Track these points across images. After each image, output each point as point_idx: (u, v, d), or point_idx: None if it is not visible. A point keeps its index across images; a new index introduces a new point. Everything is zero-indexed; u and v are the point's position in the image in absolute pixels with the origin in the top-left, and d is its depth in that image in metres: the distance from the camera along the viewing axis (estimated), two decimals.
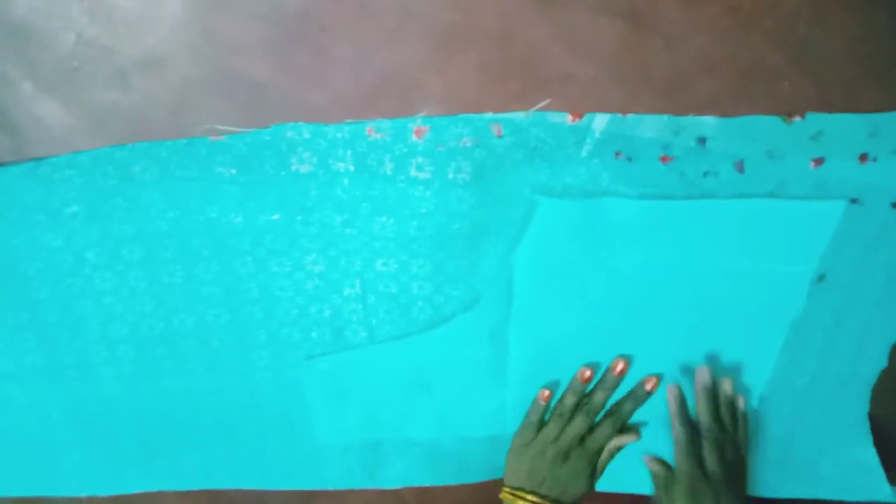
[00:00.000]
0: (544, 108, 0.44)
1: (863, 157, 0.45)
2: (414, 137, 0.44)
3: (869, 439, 0.57)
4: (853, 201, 0.46)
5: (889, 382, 0.55)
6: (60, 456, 0.55)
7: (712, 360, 0.53)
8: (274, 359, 0.53)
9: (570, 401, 0.53)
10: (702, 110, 0.44)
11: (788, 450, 0.58)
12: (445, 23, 0.42)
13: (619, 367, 0.52)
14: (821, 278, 0.50)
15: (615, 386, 0.53)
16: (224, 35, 0.42)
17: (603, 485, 0.57)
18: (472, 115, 0.44)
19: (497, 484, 0.55)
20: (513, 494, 0.52)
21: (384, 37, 0.42)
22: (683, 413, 0.52)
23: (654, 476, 0.54)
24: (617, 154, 0.45)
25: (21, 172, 0.45)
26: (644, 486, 0.55)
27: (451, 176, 0.45)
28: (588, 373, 0.52)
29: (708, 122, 0.44)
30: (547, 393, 0.53)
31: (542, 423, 0.54)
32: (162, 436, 0.56)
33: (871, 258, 0.49)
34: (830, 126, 0.44)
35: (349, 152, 0.45)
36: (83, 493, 0.57)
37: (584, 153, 0.45)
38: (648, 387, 0.53)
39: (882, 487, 0.57)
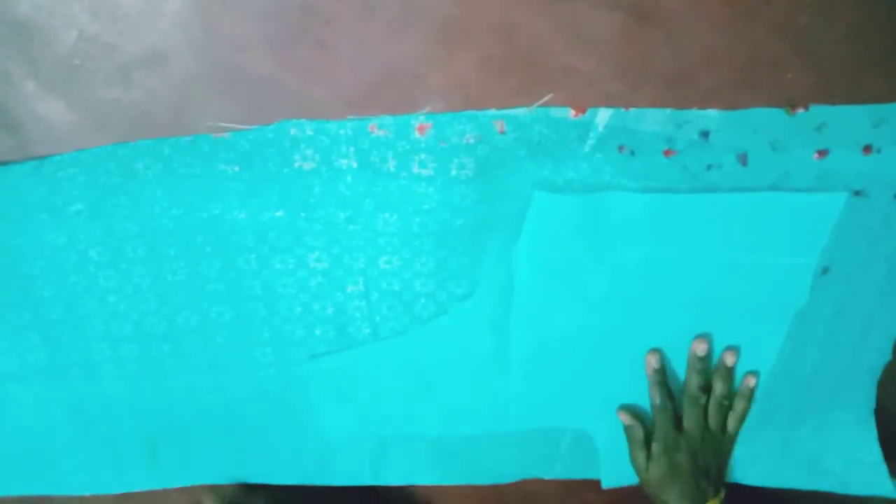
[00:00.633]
0: (547, 103, 0.43)
1: (866, 149, 0.45)
2: (417, 134, 0.44)
3: (872, 432, 0.57)
4: (857, 193, 0.46)
5: (893, 373, 0.56)
6: (64, 455, 0.56)
7: (715, 353, 0.53)
8: (277, 356, 0.53)
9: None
10: (704, 102, 0.44)
11: (790, 441, 0.58)
12: (447, 17, 0.42)
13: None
14: (824, 270, 0.50)
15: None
16: (225, 30, 0.42)
17: (610, 480, 0.57)
18: (474, 112, 0.44)
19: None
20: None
21: (386, 31, 0.42)
22: (663, 378, 0.52)
23: (628, 430, 0.53)
24: (620, 148, 0.45)
25: (24, 171, 0.45)
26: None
27: (453, 172, 0.45)
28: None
29: (711, 115, 0.44)
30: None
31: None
32: (166, 434, 0.56)
33: (874, 249, 0.50)
34: (834, 117, 0.44)
35: (352, 149, 0.45)
36: (87, 492, 0.57)
37: (586, 148, 0.45)
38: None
39: (884, 482, 0.57)
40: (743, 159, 0.45)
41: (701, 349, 0.51)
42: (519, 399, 0.55)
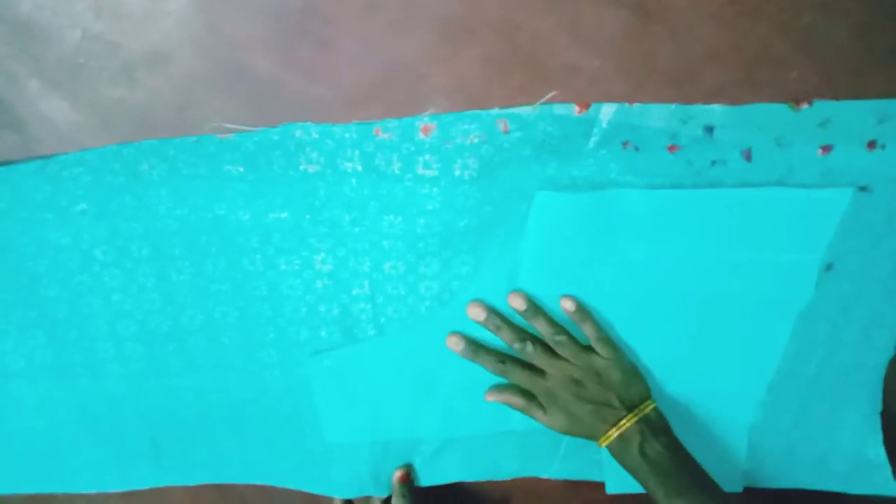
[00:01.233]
0: (550, 101, 0.43)
1: (871, 145, 0.45)
2: (421, 135, 0.44)
3: (877, 431, 0.57)
4: (861, 189, 0.46)
5: (893, 374, 0.55)
6: (69, 453, 0.56)
7: (719, 349, 0.53)
8: (282, 357, 0.53)
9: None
10: (708, 99, 0.44)
11: (795, 440, 0.58)
12: (449, 15, 0.42)
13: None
14: (829, 267, 0.50)
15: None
16: (228, 30, 0.42)
17: (614, 486, 0.57)
18: (478, 112, 0.44)
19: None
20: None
21: (388, 30, 0.42)
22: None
23: (511, 405, 0.52)
24: (624, 144, 0.45)
25: (29, 171, 0.45)
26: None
27: (457, 173, 0.45)
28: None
29: (715, 111, 0.44)
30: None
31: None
32: (170, 433, 0.56)
33: (878, 246, 0.49)
34: (838, 113, 0.44)
35: (357, 152, 0.45)
36: (91, 490, 0.57)
37: (591, 144, 0.45)
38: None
39: (889, 482, 0.57)
40: (747, 155, 0.45)
41: (475, 313, 0.50)
42: None
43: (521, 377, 0.51)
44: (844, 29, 0.43)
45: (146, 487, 0.58)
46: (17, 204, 0.46)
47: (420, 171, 0.45)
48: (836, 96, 0.44)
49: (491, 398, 0.53)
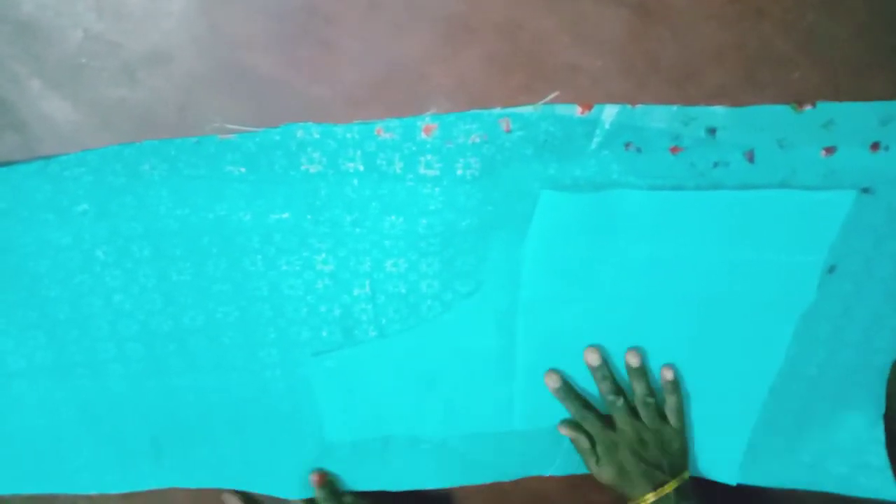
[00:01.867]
0: (553, 101, 0.43)
1: (874, 146, 0.45)
2: (423, 135, 0.44)
3: (878, 433, 0.57)
4: (864, 191, 0.46)
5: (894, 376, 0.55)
6: (69, 453, 0.55)
7: (722, 350, 0.53)
8: (283, 357, 0.53)
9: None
10: (710, 99, 0.44)
11: (796, 441, 0.58)
12: (451, 15, 0.42)
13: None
14: (831, 269, 0.50)
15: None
16: (230, 29, 0.42)
17: None
18: (480, 111, 0.43)
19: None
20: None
21: (390, 30, 0.42)
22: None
23: (574, 442, 0.55)
24: (626, 145, 0.45)
25: (30, 171, 0.45)
26: None
27: (459, 172, 0.45)
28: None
29: (718, 112, 0.44)
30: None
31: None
32: (171, 433, 0.56)
33: (880, 248, 0.49)
34: (841, 114, 0.44)
35: (359, 152, 0.45)
36: (92, 491, 0.57)
37: (593, 145, 0.44)
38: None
39: (889, 486, 0.57)
40: (750, 156, 0.45)
41: (593, 359, 0.53)
42: (523, 398, 0.55)
43: (595, 427, 0.54)
44: (847, 29, 0.43)
45: (147, 489, 0.57)
46: (18, 204, 0.46)
47: (422, 170, 0.45)
48: (839, 96, 0.44)
49: (563, 432, 0.55)
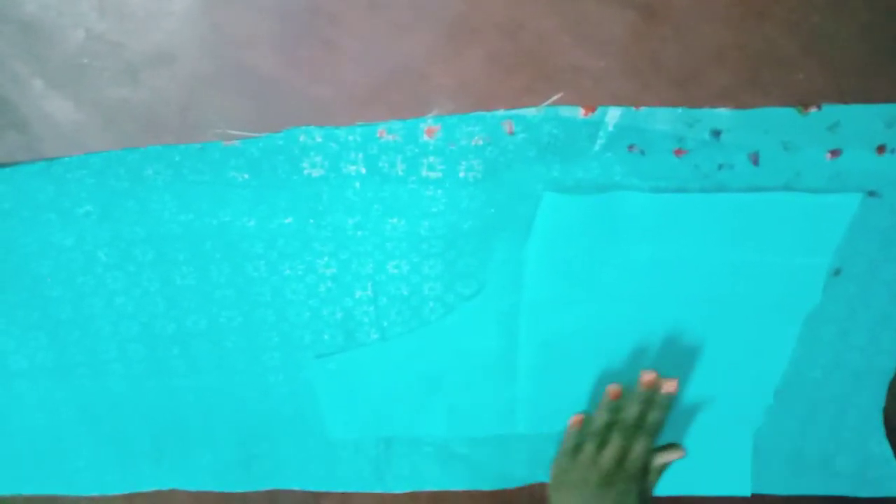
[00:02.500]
0: (556, 103, 0.43)
1: (880, 149, 0.44)
2: (425, 137, 0.44)
3: (883, 434, 0.57)
4: (870, 194, 0.46)
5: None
6: (71, 454, 0.56)
7: (726, 353, 0.52)
8: (286, 360, 0.53)
9: (602, 419, 0.50)
10: (714, 101, 0.43)
11: (802, 445, 0.57)
12: (454, 15, 0.42)
13: (648, 378, 0.49)
14: (837, 272, 0.49)
15: (647, 398, 0.49)
16: (232, 30, 0.42)
17: None
18: (483, 113, 0.43)
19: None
20: None
21: (392, 30, 0.42)
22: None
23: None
24: (630, 147, 0.44)
25: (33, 171, 0.45)
26: (671, 487, 0.53)
27: (462, 175, 0.45)
28: (616, 388, 0.49)
29: (722, 115, 0.43)
30: (579, 418, 0.50)
31: (577, 450, 0.50)
32: (172, 435, 0.56)
33: (886, 250, 0.49)
34: (847, 117, 0.43)
35: (360, 155, 0.45)
36: (94, 492, 0.57)
37: (596, 147, 0.44)
38: (670, 390, 0.49)
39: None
40: (755, 159, 0.45)
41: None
42: (526, 401, 0.55)
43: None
44: (852, 30, 0.42)
45: (148, 490, 0.57)
46: (20, 204, 0.46)
47: (424, 173, 0.45)
48: (843, 98, 0.43)
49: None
